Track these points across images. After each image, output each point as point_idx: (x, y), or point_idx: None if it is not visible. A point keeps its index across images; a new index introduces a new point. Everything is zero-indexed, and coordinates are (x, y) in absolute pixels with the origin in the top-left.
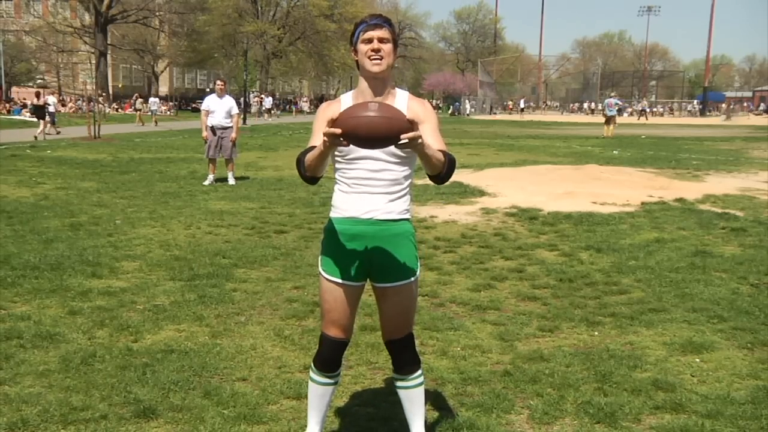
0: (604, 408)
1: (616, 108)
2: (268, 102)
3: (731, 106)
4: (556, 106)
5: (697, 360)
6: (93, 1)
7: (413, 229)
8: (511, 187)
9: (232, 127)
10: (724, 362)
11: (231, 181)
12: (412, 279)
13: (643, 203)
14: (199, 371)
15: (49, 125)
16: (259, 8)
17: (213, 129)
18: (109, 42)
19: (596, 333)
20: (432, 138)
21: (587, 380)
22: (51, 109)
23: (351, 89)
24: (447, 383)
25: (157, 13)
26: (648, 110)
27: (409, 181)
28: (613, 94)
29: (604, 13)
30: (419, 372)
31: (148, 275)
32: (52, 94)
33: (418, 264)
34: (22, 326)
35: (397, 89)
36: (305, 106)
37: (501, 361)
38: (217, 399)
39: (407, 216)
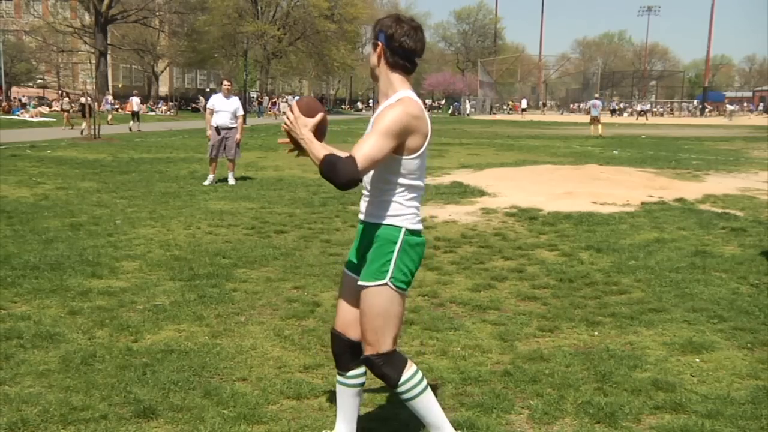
0: (604, 408)
1: (600, 108)
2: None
3: (734, 107)
4: (557, 106)
5: (697, 360)
6: (93, 1)
7: (397, 237)
8: (511, 187)
9: (236, 127)
10: (724, 362)
11: (231, 181)
12: (372, 283)
13: (643, 203)
14: (199, 371)
15: (134, 122)
16: (259, 8)
17: (217, 129)
18: (109, 42)
19: (596, 333)
20: (362, 139)
21: (587, 380)
22: (135, 108)
23: (350, 89)
24: (447, 383)
25: (157, 13)
26: (649, 110)
27: (394, 186)
28: (596, 95)
29: (604, 13)
30: (396, 385)
31: (148, 275)
32: (136, 95)
33: (388, 275)
34: (22, 326)
35: (397, 93)
36: (285, 107)
37: (501, 361)
38: (217, 399)
39: (393, 222)
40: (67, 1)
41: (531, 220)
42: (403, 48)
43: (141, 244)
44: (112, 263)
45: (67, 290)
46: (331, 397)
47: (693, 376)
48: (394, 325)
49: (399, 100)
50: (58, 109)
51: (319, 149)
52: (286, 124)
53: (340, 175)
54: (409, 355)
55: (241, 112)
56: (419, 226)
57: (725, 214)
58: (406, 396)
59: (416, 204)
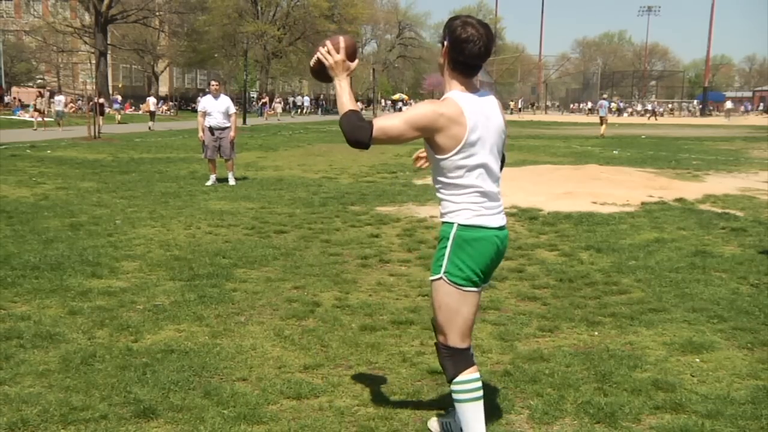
0: (604, 408)
1: (607, 108)
2: (306, 101)
3: (732, 106)
4: (557, 106)
5: (697, 360)
6: (93, 1)
7: (449, 232)
8: (511, 187)
9: (230, 126)
10: (724, 362)
11: (231, 181)
12: (432, 277)
13: (643, 203)
14: (199, 371)
15: (151, 122)
16: (259, 8)
17: (211, 129)
18: (109, 42)
19: (596, 333)
20: (391, 114)
21: (587, 380)
22: (152, 108)
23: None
24: (447, 383)
25: (157, 13)
26: (657, 110)
27: (442, 185)
28: (605, 96)
29: (604, 13)
30: (450, 381)
31: (148, 275)
32: (152, 95)
33: (442, 269)
34: (22, 326)
35: (448, 93)
36: (279, 107)
37: (501, 361)
38: (217, 399)
39: (446, 219)
40: (67, 1)
41: (531, 220)
42: (464, 53)
43: (141, 244)
44: (112, 263)
45: (67, 290)
46: (331, 396)
47: (693, 376)
48: (458, 321)
49: (442, 99)
50: (32, 109)
51: (349, 100)
52: (322, 54)
53: (354, 132)
54: (410, 354)
55: (232, 110)
56: (477, 221)
57: (725, 214)
58: (455, 396)
59: (472, 200)
